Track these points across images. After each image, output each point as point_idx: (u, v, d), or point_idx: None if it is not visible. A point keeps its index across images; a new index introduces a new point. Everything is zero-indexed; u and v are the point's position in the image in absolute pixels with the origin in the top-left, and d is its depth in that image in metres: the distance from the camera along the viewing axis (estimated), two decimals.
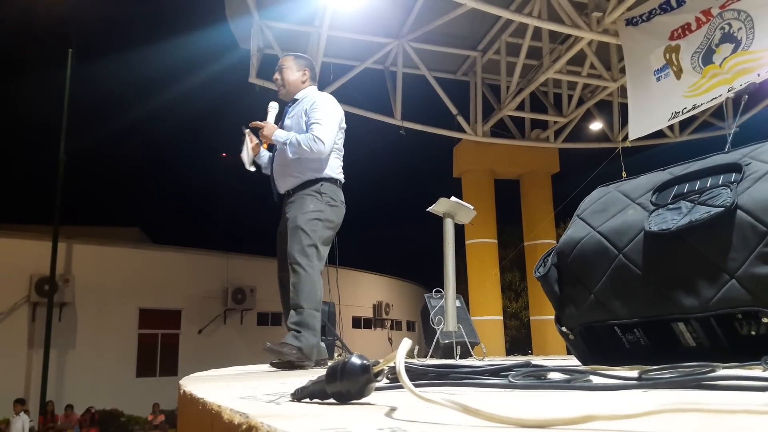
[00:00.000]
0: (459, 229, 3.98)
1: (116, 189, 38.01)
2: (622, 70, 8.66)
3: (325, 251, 2.79)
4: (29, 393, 11.66)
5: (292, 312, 2.66)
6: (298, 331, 2.62)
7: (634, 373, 0.95)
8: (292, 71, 2.99)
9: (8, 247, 12.33)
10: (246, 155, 2.94)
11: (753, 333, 1.41)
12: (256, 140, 2.96)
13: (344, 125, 2.96)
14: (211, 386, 1.35)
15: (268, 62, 9.08)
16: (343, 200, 2.90)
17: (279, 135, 2.80)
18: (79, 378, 12.45)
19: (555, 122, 11.07)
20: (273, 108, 3.00)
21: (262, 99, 8.84)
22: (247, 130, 2.95)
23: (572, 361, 1.89)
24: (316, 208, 2.75)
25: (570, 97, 10.67)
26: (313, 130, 2.75)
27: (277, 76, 3.02)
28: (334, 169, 2.88)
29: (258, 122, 2.86)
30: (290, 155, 2.75)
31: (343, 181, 2.93)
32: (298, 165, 2.82)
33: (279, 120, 2.98)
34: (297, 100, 2.97)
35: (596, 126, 11.47)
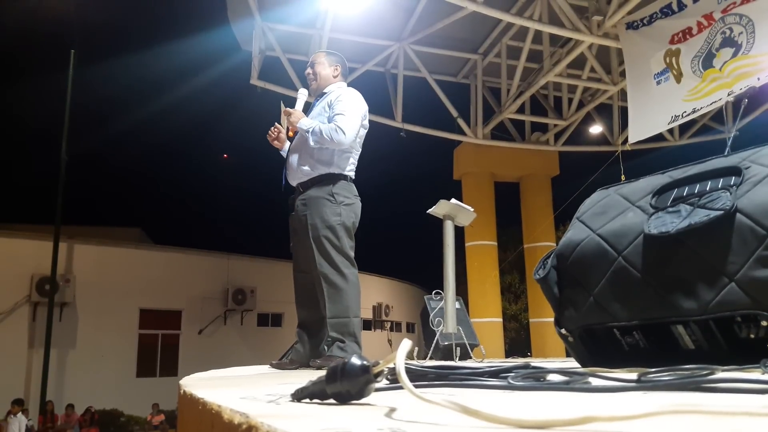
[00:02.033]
0: (459, 231, 3.98)
1: (118, 189, 38.03)
2: (622, 74, 8.66)
3: (352, 253, 2.78)
4: (29, 393, 11.65)
5: (332, 322, 2.64)
6: (342, 341, 2.62)
7: (633, 376, 0.96)
8: (324, 66, 3.00)
9: (9, 247, 12.33)
10: (284, 125, 2.97)
11: (752, 336, 1.41)
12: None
13: (366, 123, 2.95)
14: (211, 386, 1.35)
15: (270, 64, 9.10)
16: (357, 194, 2.88)
17: (304, 122, 2.80)
18: (79, 378, 12.45)
19: (555, 125, 11.08)
20: (302, 95, 3.00)
21: (263, 101, 8.89)
22: (283, 106, 2.96)
23: (571, 364, 1.89)
24: (334, 213, 2.73)
25: (570, 100, 10.68)
26: (336, 120, 2.75)
27: (309, 70, 3.03)
28: (346, 166, 2.85)
29: (288, 109, 2.87)
30: (312, 143, 2.75)
31: (353, 177, 2.90)
32: (309, 158, 2.81)
33: (306, 111, 2.98)
34: (324, 94, 2.98)
35: (596, 129, 11.48)
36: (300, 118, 2.82)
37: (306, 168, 2.82)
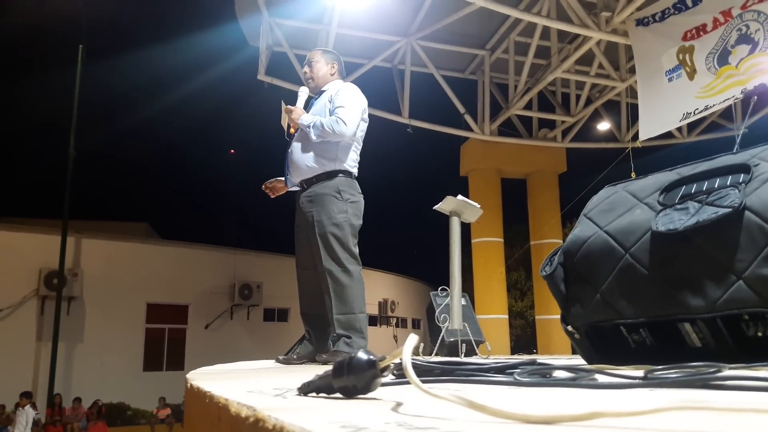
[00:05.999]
0: (465, 228, 3.98)
1: (125, 184, 38.22)
2: (631, 70, 8.62)
3: (357, 250, 2.78)
4: (37, 386, 11.76)
5: (338, 318, 2.65)
6: (349, 337, 2.64)
7: (640, 373, 0.95)
8: (321, 65, 3.02)
9: (18, 241, 12.43)
10: (284, 123, 3.01)
11: (759, 334, 1.40)
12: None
13: (366, 117, 2.96)
14: (217, 380, 1.36)
15: (277, 59, 9.11)
16: (360, 191, 2.89)
17: (305, 119, 2.82)
18: (86, 371, 12.55)
19: (563, 122, 11.03)
20: (303, 92, 3.02)
21: (269, 96, 8.90)
22: (283, 105, 2.99)
23: (578, 361, 1.89)
24: (340, 210, 2.74)
25: (578, 96, 10.63)
26: (338, 112, 2.76)
27: (306, 69, 3.05)
28: (350, 162, 2.86)
29: (289, 106, 2.89)
30: (314, 137, 2.76)
31: (356, 174, 2.91)
32: (312, 154, 2.81)
33: (307, 109, 3.00)
34: (323, 92, 3.00)
35: (604, 126, 11.43)
36: (301, 115, 2.85)
37: (310, 164, 2.81)
